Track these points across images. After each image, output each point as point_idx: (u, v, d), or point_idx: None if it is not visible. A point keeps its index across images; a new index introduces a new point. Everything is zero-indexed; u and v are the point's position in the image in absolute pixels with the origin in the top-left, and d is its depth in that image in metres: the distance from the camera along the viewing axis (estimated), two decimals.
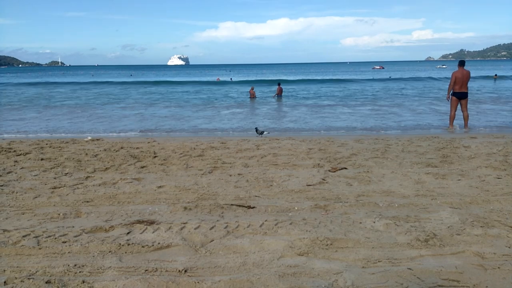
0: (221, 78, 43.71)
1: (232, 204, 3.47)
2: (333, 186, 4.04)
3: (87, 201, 3.54)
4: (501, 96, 18.11)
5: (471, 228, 2.81)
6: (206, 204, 3.47)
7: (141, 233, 2.78)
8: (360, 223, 2.95)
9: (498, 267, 2.22)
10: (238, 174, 4.56)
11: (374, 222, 2.94)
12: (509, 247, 2.49)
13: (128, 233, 2.79)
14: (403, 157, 5.48)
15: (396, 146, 6.32)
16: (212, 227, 2.89)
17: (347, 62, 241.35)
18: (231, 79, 41.88)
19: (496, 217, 3.03)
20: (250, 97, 20.09)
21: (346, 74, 49.24)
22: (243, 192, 3.86)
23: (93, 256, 2.43)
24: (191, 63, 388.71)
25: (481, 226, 2.84)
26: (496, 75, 35.27)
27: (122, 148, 6.18)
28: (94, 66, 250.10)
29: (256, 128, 8.25)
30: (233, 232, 2.82)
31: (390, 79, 35.98)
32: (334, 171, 4.70)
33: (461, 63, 9.52)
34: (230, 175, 4.51)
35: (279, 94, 21.04)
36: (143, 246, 2.55)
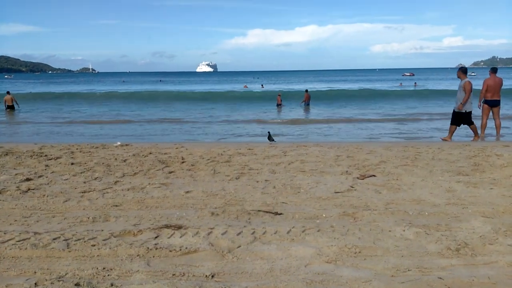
0: (249, 85, 43.92)
1: (259, 210, 3.47)
2: (362, 194, 3.98)
3: (116, 205, 3.63)
4: None
5: (504, 238, 2.70)
6: (233, 209, 3.49)
7: (168, 238, 2.83)
8: (389, 231, 2.89)
9: None
10: (265, 180, 4.57)
11: (404, 231, 2.88)
12: None
13: (156, 237, 2.84)
14: (434, 165, 5.34)
15: (426, 154, 6.17)
16: (239, 233, 2.91)
17: (376, 69, 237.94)
18: (262, 86, 41.81)
19: None
20: (277, 104, 20.03)
21: (375, 83, 48.00)
22: (270, 198, 3.86)
23: (122, 260, 2.49)
24: (219, 69, 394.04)
25: None
26: None
27: (150, 153, 6.32)
28: (126, 72, 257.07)
29: (269, 132, 8.17)
30: (260, 238, 2.82)
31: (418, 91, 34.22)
32: (363, 179, 4.64)
33: (494, 70, 9.25)
34: (257, 181, 4.52)
35: (307, 101, 20.92)
36: (170, 251, 2.59)
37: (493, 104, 9.00)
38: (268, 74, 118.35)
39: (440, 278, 2.17)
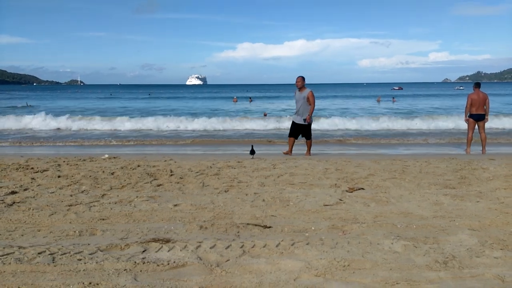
0: (238, 99, 43.77)
1: (248, 224, 3.46)
2: (350, 207, 4.00)
3: (103, 219, 3.58)
4: None
5: (490, 250, 2.74)
6: (222, 223, 3.47)
7: (156, 252, 2.79)
8: (378, 244, 2.91)
9: None
10: (255, 193, 4.56)
11: (392, 244, 2.89)
12: None
13: (143, 251, 2.80)
14: (421, 178, 5.40)
15: (414, 167, 6.24)
16: (228, 247, 2.89)
17: (364, 83, 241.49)
18: (250, 99, 40.27)
19: None
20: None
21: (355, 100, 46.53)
22: (259, 211, 3.85)
23: (108, 274, 2.44)
24: (208, 82, 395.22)
25: (501, 249, 2.77)
26: None
27: (138, 166, 6.26)
28: (115, 85, 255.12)
29: (252, 145, 8.00)
30: (249, 252, 2.81)
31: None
32: (351, 192, 4.66)
33: (477, 85, 9.48)
34: (247, 194, 4.51)
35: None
36: (158, 265, 2.56)
37: (478, 118, 9.20)
38: (258, 87, 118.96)
39: None
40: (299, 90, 8.42)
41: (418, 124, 15.97)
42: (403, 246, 2.84)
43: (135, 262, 2.59)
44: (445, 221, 3.47)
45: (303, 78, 8.41)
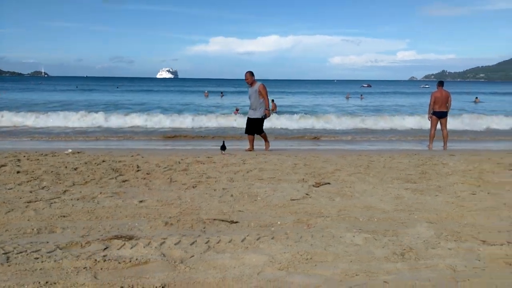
0: (210, 94, 43.43)
1: (215, 219, 3.45)
2: (316, 201, 4.07)
3: (64, 216, 3.47)
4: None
5: (445, 242, 2.87)
6: (188, 219, 3.45)
7: (118, 249, 2.74)
8: (341, 237, 2.98)
9: (468, 279, 2.28)
10: (223, 188, 4.55)
11: (354, 236, 2.97)
12: (479, 260, 2.55)
13: (105, 249, 2.74)
14: (385, 172, 5.57)
15: (378, 163, 6.42)
16: (193, 243, 2.87)
17: (334, 80, 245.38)
18: (221, 94, 40.38)
19: (469, 232, 3.11)
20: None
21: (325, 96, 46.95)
22: (227, 207, 3.85)
23: (67, 273, 2.37)
24: (180, 76, 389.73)
25: (455, 240, 2.91)
26: (477, 98, 35.91)
27: (103, 161, 6.11)
28: (83, 77, 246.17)
29: (223, 141, 7.82)
30: (214, 247, 2.81)
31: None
32: (318, 186, 4.74)
33: (440, 84, 9.87)
34: (215, 190, 4.50)
35: (274, 110, 21.31)
36: (119, 262, 2.51)
37: (440, 115, 9.58)
38: (231, 82, 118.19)
39: (386, 282, 2.26)
40: (251, 86, 8.38)
41: (384, 121, 16.42)
42: (364, 238, 2.92)
43: (96, 260, 2.53)
44: (405, 214, 3.60)
45: (251, 74, 8.33)
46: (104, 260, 2.53)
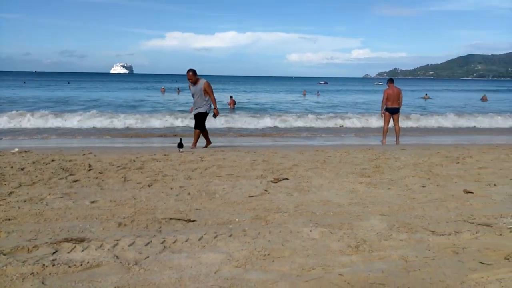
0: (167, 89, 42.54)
1: (171, 218, 3.37)
2: (274, 197, 4.10)
3: (9, 219, 3.25)
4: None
5: (397, 233, 2.98)
6: (143, 219, 3.35)
7: (68, 253, 2.61)
8: (298, 232, 3.01)
9: (419, 269, 2.37)
10: (180, 187, 4.47)
11: (311, 231, 3.02)
12: (428, 250, 2.68)
13: (54, 252, 2.60)
14: (340, 167, 5.71)
15: (334, 158, 6.58)
16: (148, 243, 2.79)
17: (292, 77, 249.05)
18: (178, 90, 39.75)
19: (419, 223, 3.25)
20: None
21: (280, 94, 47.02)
22: (183, 205, 3.78)
23: (12, 280, 2.22)
24: (135, 72, 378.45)
25: (406, 232, 3.03)
26: (426, 94, 37.92)
27: (53, 160, 5.80)
28: (32, 72, 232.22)
29: (180, 138, 7.59)
30: (170, 247, 2.74)
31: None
32: (276, 182, 4.77)
33: (391, 81, 10.35)
34: (171, 188, 4.40)
35: (232, 107, 21.39)
36: (70, 266, 2.39)
37: (393, 111, 10.01)
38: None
39: (341, 274, 2.31)
40: (194, 84, 8.01)
41: (340, 118, 16.87)
42: (320, 232, 2.98)
43: (44, 264, 2.39)
44: (359, 208, 3.70)
45: (194, 72, 7.98)
46: (53, 265, 2.39)
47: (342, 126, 14.71)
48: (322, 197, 4.07)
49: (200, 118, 8.06)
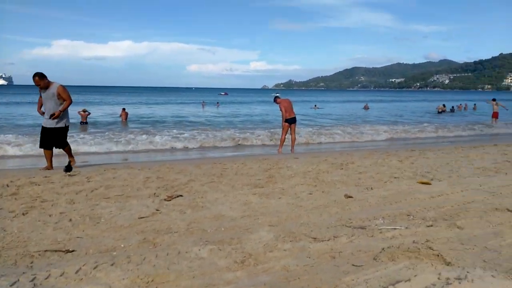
0: None
1: (46, 250, 3.04)
2: (166, 216, 3.96)
3: None
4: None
5: (282, 243, 3.09)
6: (12, 254, 2.96)
7: None
8: (186, 252, 2.94)
9: (298, 278, 2.48)
10: (60, 213, 4.06)
11: (199, 250, 2.97)
12: (309, 257, 2.82)
13: None
14: (236, 179, 5.79)
15: (231, 170, 6.66)
16: (14, 283, 2.46)
17: (193, 88, 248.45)
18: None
19: (303, 231, 3.41)
20: (81, 121, 18.66)
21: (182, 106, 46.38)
22: (63, 234, 3.43)
23: None
24: (15, 83, 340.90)
25: (291, 241, 3.15)
26: (316, 105, 41.21)
27: None
28: None
29: (69, 161, 6.93)
30: (42, 285, 2.45)
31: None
32: (170, 200, 4.63)
33: (278, 97, 11.26)
34: (50, 215, 3.97)
35: (124, 120, 20.54)
36: None
37: (291, 121, 10.68)
38: (78, 89, 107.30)
39: None
40: (45, 89, 6.98)
41: (237, 129, 17.24)
42: (209, 250, 2.95)
43: None
44: (250, 220, 3.77)
45: (41, 75, 6.88)
46: None
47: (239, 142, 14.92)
48: (215, 212, 4.06)
49: (60, 134, 7.12)
